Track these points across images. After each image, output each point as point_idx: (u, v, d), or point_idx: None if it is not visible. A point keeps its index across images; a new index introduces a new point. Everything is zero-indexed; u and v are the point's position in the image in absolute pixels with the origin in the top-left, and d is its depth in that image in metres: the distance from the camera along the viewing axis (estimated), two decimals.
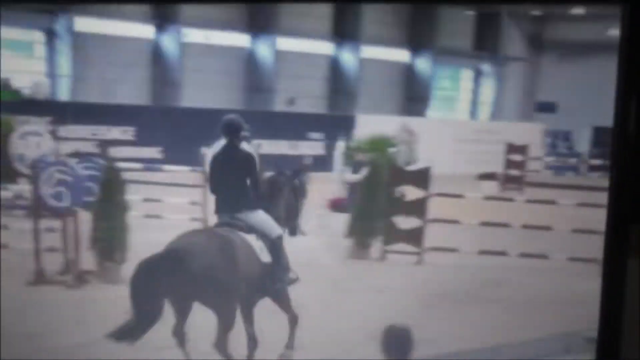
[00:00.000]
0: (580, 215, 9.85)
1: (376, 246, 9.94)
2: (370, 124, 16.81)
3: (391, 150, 12.17)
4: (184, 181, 10.31)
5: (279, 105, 23.32)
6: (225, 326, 5.28)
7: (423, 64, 26.34)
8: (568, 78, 26.38)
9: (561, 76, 26.89)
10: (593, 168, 20.42)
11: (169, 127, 17.71)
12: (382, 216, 9.81)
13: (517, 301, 8.29)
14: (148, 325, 4.99)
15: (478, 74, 28.61)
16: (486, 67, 28.42)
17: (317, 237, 9.77)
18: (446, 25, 26.30)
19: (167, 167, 11.55)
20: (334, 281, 8.52)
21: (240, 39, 23.65)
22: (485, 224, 10.10)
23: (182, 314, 5.35)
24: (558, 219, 10.25)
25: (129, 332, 4.98)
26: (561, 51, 28.02)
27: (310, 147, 19.10)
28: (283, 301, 5.83)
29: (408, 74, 26.49)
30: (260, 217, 5.68)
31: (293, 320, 5.89)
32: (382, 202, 9.87)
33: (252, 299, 5.66)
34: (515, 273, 9.41)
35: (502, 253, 10.03)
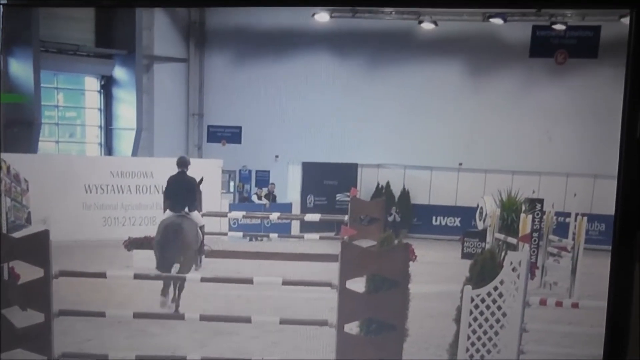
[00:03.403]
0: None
1: None
2: None
3: None
4: None
5: None
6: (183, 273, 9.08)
7: (21, 68, 16.89)
8: (251, 89, 18.81)
9: (238, 88, 19.14)
10: (308, 226, 14.47)
11: None
12: None
13: None
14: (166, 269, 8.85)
15: (109, 84, 19.19)
16: (121, 73, 19.28)
17: None
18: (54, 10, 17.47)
19: None
20: None
21: None
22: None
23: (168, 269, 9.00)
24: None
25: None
26: (236, 48, 19.43)
27: None
28: (190, 268, 9.43)
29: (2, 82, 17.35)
30: (196, 214, 9.52)
31: (181, 286, 9.02)
32: None
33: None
34: None
35: None
